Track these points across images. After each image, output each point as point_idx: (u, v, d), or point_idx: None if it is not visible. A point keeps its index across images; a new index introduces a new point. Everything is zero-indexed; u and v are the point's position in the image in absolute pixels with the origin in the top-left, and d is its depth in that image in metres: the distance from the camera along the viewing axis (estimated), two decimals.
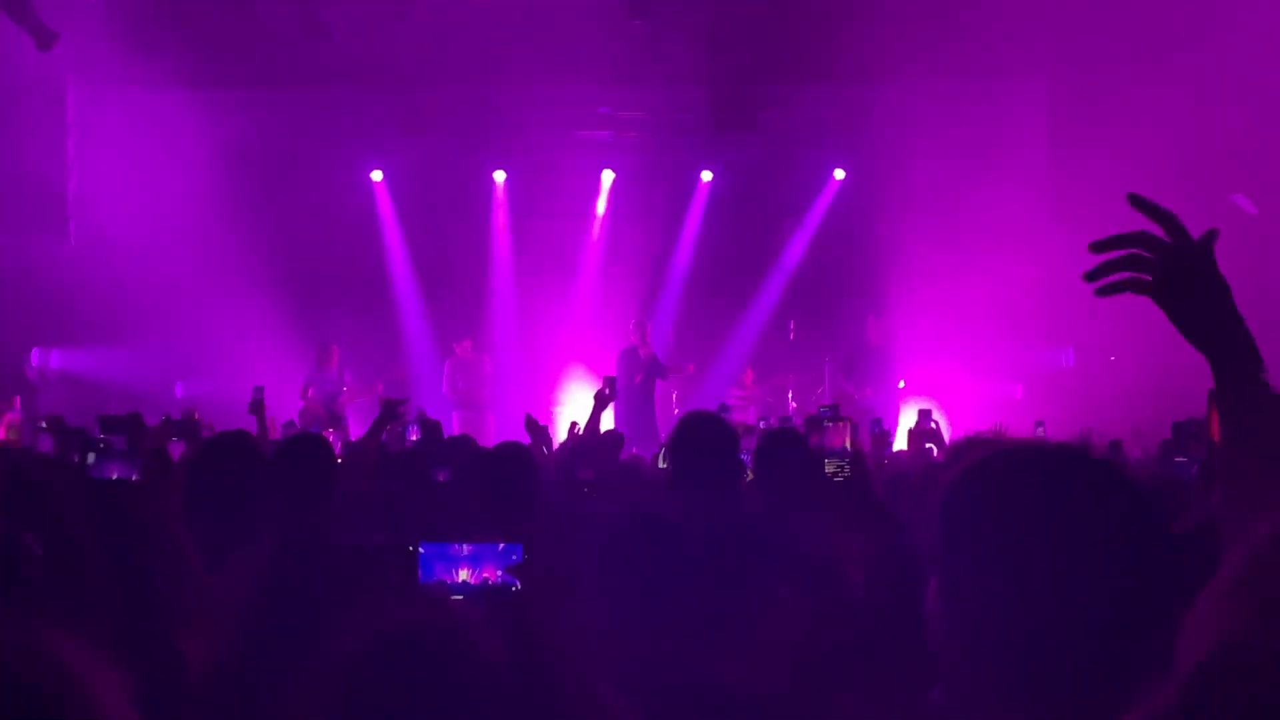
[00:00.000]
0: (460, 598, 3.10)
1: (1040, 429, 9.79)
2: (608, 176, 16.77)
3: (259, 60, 14.10)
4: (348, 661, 2.06)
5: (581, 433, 8.71)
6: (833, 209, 16.65)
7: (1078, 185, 13.79)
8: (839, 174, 16.46)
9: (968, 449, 5.93)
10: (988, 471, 1.84)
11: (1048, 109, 13.61)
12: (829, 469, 5.80)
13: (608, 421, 10.84)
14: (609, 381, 8.81)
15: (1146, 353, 13.50)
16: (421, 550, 3.14)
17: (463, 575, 3.08)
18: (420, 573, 3.15)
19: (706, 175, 16.65)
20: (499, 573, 3.06)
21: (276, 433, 10.01)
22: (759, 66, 14.45)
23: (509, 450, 5.18)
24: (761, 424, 10.68)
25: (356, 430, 13.05)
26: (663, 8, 13.05)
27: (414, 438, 8.20)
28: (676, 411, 15.40)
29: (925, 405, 14.65)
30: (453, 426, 15.31)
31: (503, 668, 2.06)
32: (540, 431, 8.64)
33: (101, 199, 14.97)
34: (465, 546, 3.08)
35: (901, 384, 14.66)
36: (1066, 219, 13.89)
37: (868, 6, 13.07)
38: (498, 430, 14.88)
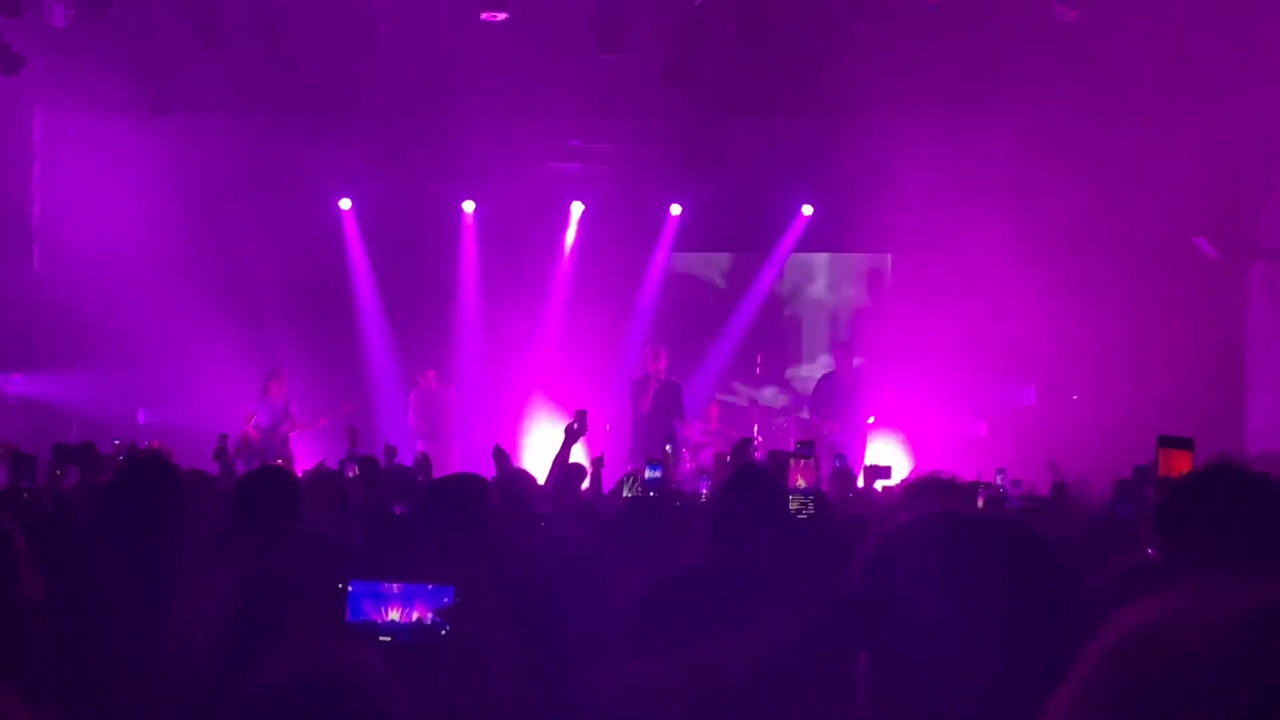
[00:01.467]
0: (388, 638, 3.09)
1: (1000, 475, 9.83)
2: (577, 208, 16.78)
3: (226, 88, 14.07)
4: (260, 703, 2.05)
5: (551, 466, 8.67)
6: (801, 245, 16.70)
7: (1044, 226, 13.91)
8: (807, 210, 16.51)
9: (921, 490, 5.96)
10: (906, 539, 1.92)
11: (1015, 149, 13.70)
12: (794, 506, 5.86)
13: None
14: (579, 415, 8.79)
15: (1107, 393, 13.66)
16: (351, 588, 3.13)
17: (393, 615, 3.07)
18: (349, 611, 3.13)
19: (676, 209, 16.67)
20: (430, 614, 3.05)
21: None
22: (727, 101, 14.52)
23: (456, 484, 5.13)
24: (730, 460, 10.69)
25: (302, 462, 13.01)
26: (631, 42, 13.10)
27: (351, 474, 8.09)
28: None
29: (892, 441, 14.81)
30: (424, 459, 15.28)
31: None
32: (505, 461, 8.63)
33: (66, 224, 14.92)
34: (395, 586, 3.07)
35: (871, 420, 14.71)
36: (1032, 259, 13.99)
37: (835, 45, 13.19)
38: (462, 461, 14.82)
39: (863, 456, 13.55)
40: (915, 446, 14.85)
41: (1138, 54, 12.71)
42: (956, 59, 12.84)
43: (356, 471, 8.05)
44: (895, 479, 10.50)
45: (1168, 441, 5.51)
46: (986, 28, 12.71)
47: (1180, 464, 5.40)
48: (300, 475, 7.42)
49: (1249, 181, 13.57)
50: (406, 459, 14.03)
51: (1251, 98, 13.15)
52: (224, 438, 8.97)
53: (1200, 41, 12.42)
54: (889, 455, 13.49)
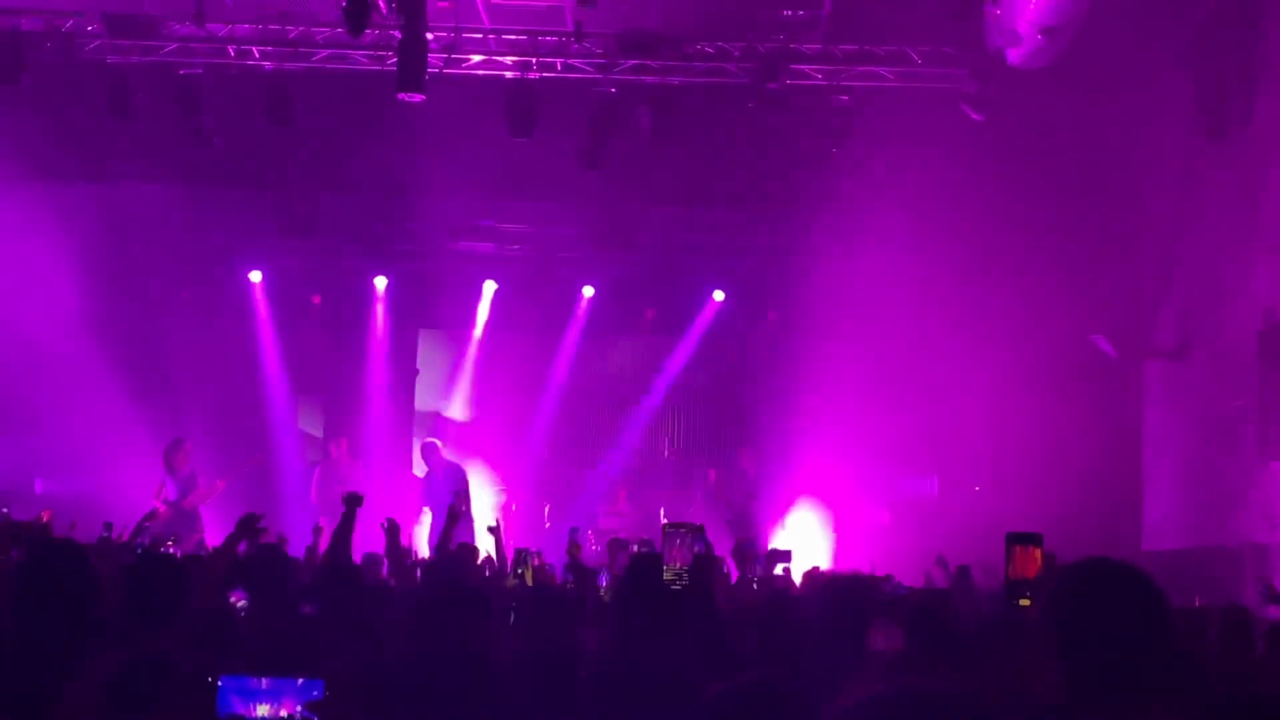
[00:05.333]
0: None
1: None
2: (489, 287, 16.78)
3: (138, 159, 13.98)
4: None
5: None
6: (711, 330, 16.80)
7: (946, 320, 14.13)
8: (718, 296, 16.64)
9: (818, 582, 6.02)
10: None
11: (919, 245, 13.93)
12: (667, 576, 6.00)
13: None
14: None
15: (1007, 485, 13.86)
16: (221, 683, 3.09)
17: (261, 710, 3.03)
18: (219, 705, 3.09)
19: (588, 290, 16.72)
20: (298, 708, 3.02)
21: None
22: (641, 187, 14.67)
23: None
24: (634, 547, 10.84)
25: (211, 530, 12.83)
26: (546, 127, 13.21)
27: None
28: (548, 525, 15.31)
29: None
30: (321, 535, 15.07)
31: None
32: (394, 536, 8.62)
33: None
34: (264, 680, 3.04)
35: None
36: (935, 353, 14.21)
37: (747, 138, 13.45)
38: (364, 539, 14.63)
39: (766, 543, 13.67)
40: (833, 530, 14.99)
41: (1041, 155, 13.03)
42: (864, 155, 13.11)
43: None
44: (813, 563, 10.68)
45: (1016, 539, 5.37)
46: (894, 127, 12.97)
47: (1030, 560, 5.32)
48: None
49: (1147, 282, 13.91)
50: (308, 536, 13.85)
51: (1150, 200, 13.52)
52: (109, 526, 8.86)
53: (1102, 144, 12.77)
54: (810, 534, 13.77)
